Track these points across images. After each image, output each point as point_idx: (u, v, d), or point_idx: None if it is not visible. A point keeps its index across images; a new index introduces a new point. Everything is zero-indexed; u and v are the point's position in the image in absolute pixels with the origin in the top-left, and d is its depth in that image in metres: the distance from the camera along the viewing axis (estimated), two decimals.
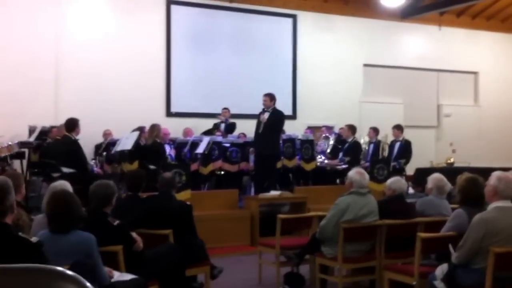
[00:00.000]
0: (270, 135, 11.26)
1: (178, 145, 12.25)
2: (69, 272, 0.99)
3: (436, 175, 6.79)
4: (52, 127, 11.87)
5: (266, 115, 11.23)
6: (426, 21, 17.78)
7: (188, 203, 6.95)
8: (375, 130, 13.36)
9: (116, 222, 5.12)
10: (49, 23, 13.42)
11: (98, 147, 12.72)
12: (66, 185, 5.44)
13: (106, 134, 12.78)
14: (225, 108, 13.75)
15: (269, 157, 11.32)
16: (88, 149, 11.86)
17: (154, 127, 11.34)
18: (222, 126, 13.50)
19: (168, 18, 14.80)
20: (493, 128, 18.74)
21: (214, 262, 6.64)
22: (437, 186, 6.63)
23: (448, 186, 6.74)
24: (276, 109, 11.37)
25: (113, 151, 11.43)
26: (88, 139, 11.87)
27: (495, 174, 5.04)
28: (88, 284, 0.99)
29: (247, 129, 13.19)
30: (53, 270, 0.99)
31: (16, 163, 10.87)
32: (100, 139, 12.85)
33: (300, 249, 7.08)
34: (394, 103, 17.43)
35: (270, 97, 11.37)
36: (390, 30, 17.43)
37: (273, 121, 11.20)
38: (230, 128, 13.50)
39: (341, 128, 14.03)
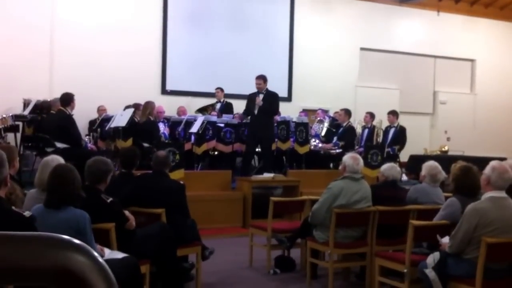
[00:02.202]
0: (267, 117, 11.23)
1: (173, 124, 12.19)
2: (77, 241, 0.97)
3: (430, 163, 6.74)
4: (45, 101, 11.79)
5: (261, 98, 11.15)
6: (424, 6, 17.71)
7: (181, 182, 6.92)
8: (371, 115, 13.22)
9: (110, 200, 5.09)
10: None
11: (92, 123, 12.66)
12: (59, 159, 5.37)
13: (101, 110, 12.71)
14: (217, 88, 13.60)
15: (266, 139, 11.33)
16: (82, 125, 11.82)
17: (147, 105, 11.25)
18: (218, 105, 13.42)
19: None
20: (488, 117, 18.73)
21: (205, 243, 6.63)
22: (431, 174, 6.59)
23: (442, 174, 6.70)
24: (269, 91, 11.30)
25: (107, 128, 11.38)
26: (82, 114, 11.82)
27: (491, 163, 5.01)
28: (95, 253, 0.97)
29: (242, 109, 13.03)
30: (59, 238, 0.98)
31: (10, 137, 10.83)
32: (94, 115, 12.79)
33: (291, 233, 7.09)
34: (390, 89, 17.40)
35: (264, 79, 11.23)
36: (388, 14, 17.36)
37: (270, 103, 11.14)
38: (226, 109, 13.39)
39: (336, 112, 13.92)
